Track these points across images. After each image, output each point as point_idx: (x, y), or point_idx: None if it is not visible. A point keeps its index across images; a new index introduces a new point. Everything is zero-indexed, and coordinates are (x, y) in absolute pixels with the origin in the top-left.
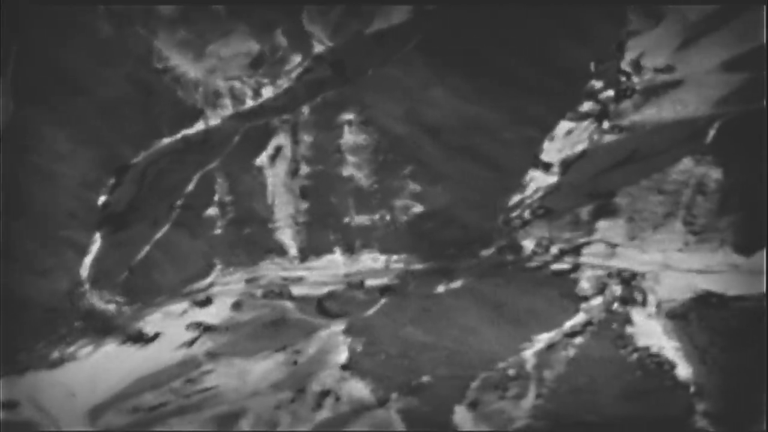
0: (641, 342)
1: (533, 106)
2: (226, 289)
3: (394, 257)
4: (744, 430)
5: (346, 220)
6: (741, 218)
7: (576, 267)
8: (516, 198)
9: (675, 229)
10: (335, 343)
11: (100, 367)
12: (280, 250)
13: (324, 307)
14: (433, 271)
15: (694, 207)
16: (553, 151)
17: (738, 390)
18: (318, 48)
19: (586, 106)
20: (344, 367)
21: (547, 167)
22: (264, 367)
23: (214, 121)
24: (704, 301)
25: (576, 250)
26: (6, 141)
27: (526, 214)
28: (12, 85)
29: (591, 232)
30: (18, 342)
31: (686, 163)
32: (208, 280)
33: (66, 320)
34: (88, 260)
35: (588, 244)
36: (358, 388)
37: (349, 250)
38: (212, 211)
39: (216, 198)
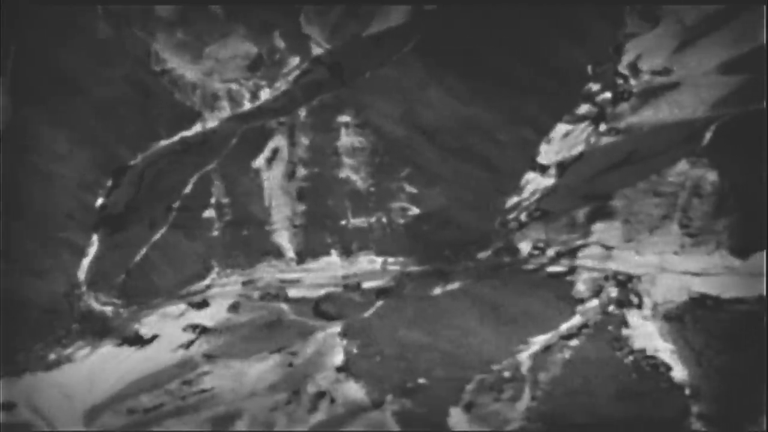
0: (637, 344)
1: (530, 109)
2: (223, 291)
3: (391, 259)
4: None
5: (343, 222)
6: (737, 221)
7: (572, 269)
8: (513, 200)
9: (671, 231)
10: (331, 345)
11: (97, 368)
12: (277, 252)
13: (320, 309)
14: (430, 273)
15: (690, 209)
16: (550, 153)
17: (733, 392)
18: (316, 50)
19: (584, 108)
20: (340, 368)
21: (543, 169)
22: (260, 369)
23: (211, 123)
24: (700, 303)
25: (572, 253)
26: (5, 141)
27: (523, 217)
28: (11, 86)
29: (587, 234)
30: (16, 343)
31: (682, 165)
32: (206, 282)
33: (63, 322)
34: (85, 262)
35: (584, 246)
36: (354, 390)
37: (346, 252)
38: (209, 213)
39: (213, 200)
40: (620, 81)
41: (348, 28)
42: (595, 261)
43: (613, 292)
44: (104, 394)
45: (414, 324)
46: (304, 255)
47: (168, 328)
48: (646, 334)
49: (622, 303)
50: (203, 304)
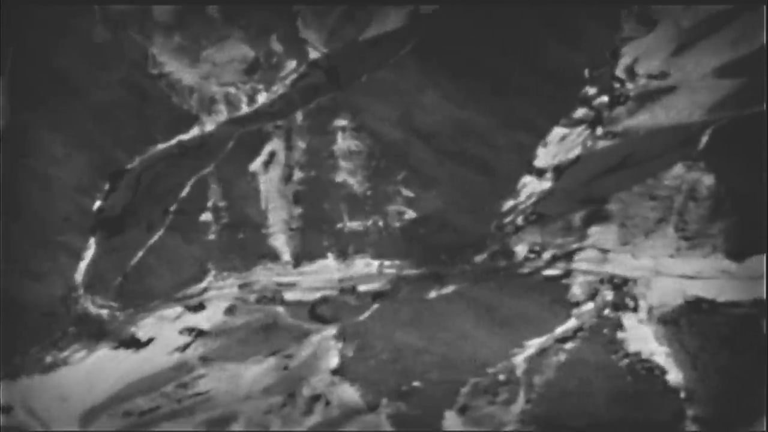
0: (632, 347)
1: (527, 113)
2: (220, 294)
3: (387, 262)
4: None
5: (340, 225)
6: (733, 224)
7: (568, 273)
8: (509, 203)
9: (667, 234)
10: (327, 348)
11: (94, 371)
12: (274, 256)
13: (316, 312)
14: (426, 276)
15: (686, 213)
16: (546, 156)
17: (728, 395)
18: (313, 54)
19: (580, 112)
20: (335, 371)
21: (540, 173)
22: (256, 372)
23: (209, 126)
24: (695, 306)
25: (568, 256)
26: (2, 144)
27: (519, 220)
28: (8, 88)
29: (583, 237)
30: (13, 346)
31: (678, 169)
32: (202, 285)
33: (60, 325)
34: (82, 265)
35: (580, 249)
36: (349, 393)
37: (342, 255)
38: (206, 216)
39: (210, 203)
40: (617, 85)
41: (345, 32)
42: (591, 264)
43: (609, 295)
44: (100, 396)
45: (409, 327)
46: (300, 258)
47: (164, 331)
48: (642, 337)
49: (618, 306)
50: (200, 307)
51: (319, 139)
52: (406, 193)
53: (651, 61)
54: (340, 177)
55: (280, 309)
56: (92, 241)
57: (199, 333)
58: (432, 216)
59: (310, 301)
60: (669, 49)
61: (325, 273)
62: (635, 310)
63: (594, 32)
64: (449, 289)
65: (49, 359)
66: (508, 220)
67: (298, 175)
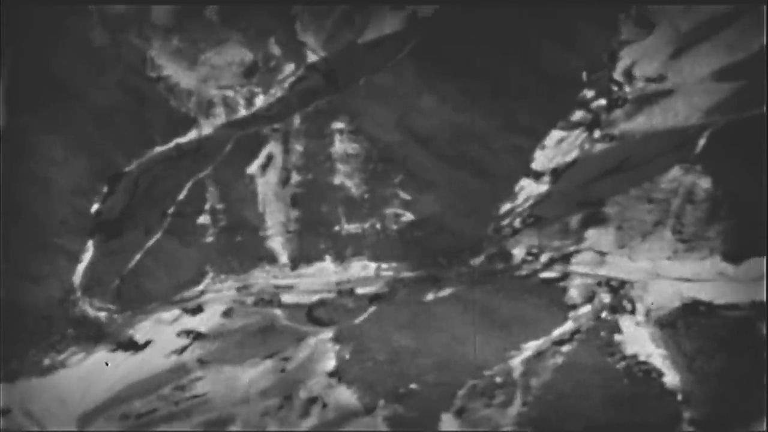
0: (629, 350)
1: (525, 115)
2: (218, 297)
3: (384, 265)
4: None
5: (337, 228)
6: (730, 227)
7: (565, 275)
8: (506, 206)
9: (664, 237)
10: (323, 350)
11: (91, 374)
12: (271, 258)
13: (314, 314)
14: (423, 279)
15: (683, 216)
16: (544, 159)
17: (725, 398)
18: (311, 57)
19: (578, 115)
20: (332, 374)
21: (537, 176)
22: (253, 374)
23: (207, 129)
24: (692, 309)
25: (565, 259)
26: (1, 147)
27: (517, 223)
28: (7, 91)
29: (580, 240)
30: (11, 349)
31: (675, 172)
32: (200, 287)
33: (58, 327)
34: (80, 268)
35: (577, 252)
36: (346, 395)
37: (340, 258)
38: (204, 219)
39: (208, 206)
40: (615, 88)
41: (343, 36)
42: (588, 267)
43: (606, 297)
44: (98, 399)
45: (406, 329)
46: (297, 261)
47: (162, 333)
48: (639, 339)
49: (615, 309)
50: (197, 310)
51: (316, 142)
52: (404, 196)
53: (649, 64)
54: (337, 180)
55: (278, 311)
56: (90, 244)
57: (196, 335)
58: (429, 219)
59: (308, 303)
60: (667, 53)
61: (322, 275)
62: (632, 312)
63: (592, 35)
64: (446, 291)
65: (47, 362)
66: (505, 222)
67: (295, 178)
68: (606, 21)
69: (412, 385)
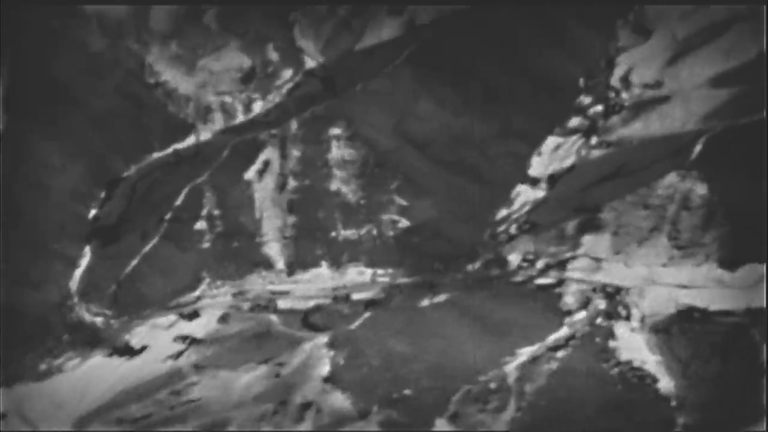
0: (624, 356)
1: (522, 121)
2: (214, 302)
3: (381, 271)
4: None
5: (333, 234)
6: (726, 233)
7: (561, 281)
8: (503, 212)
9: (660, 243)
10: (318, 356)
11: (87, 378)
12: (268, 264)
13: (309, 320)
14: (419, 284)
15: (679, 222)
16: (540, 166)
17: (719, 403)
18: (309, 63)
19: (575, 121)
20: (326, 379)
21: (534, 182)
22: (248, 380)
23: (205, 135)
24: (687, 315)
25: (561, 265)
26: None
27: (513, 229)
28: (5, 97)
29: (576, 246)
30: (8, 354)
31: (672, 178)
32: (196, 293)
33: (55, 332)
34: (77, 273)
35: (573, 258)
36: (340, 401)
37: (336, 263)
38: (201, 224)
39: (204, 212)
40: (612, 94)
41: (341, 42)
42: (583, 273)
43: (602, 304)
44: (94, 403)
45: (401, 335)
46: (294, 266)
47: (158, 338)
48: (634, 346)
49: (610, 315)
50: (193, 315)
51: (313, 147)
52: (400, 201)
53: (646, 70)
54: (334, 186)
55: (274, 317)
56: (87, 249)
57: (192, 341)
58: (426, 225)
59: (304, 309)
60: (663, 59)
61: (318, 281)
62: (627, 318)
63: (589, 42)
64: (442, 297)
65: (43, 366)
66: (501, 229)
67: (292, 183)
68: (603, 27)
69: (407, 391)
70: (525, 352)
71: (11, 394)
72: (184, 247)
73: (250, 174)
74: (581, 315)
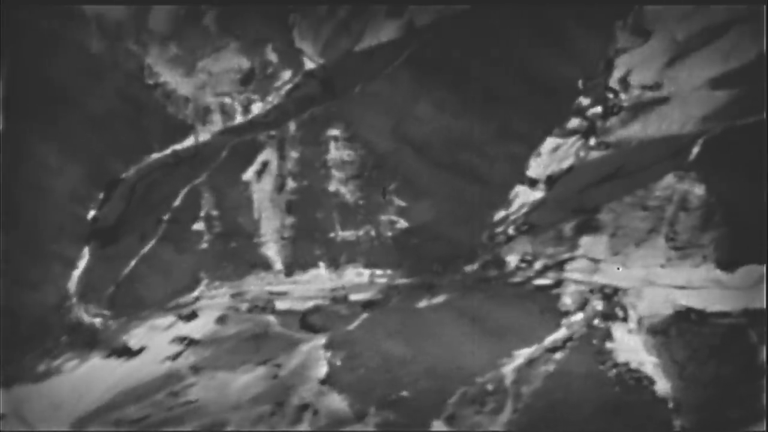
0: (621, 357)
1: (520, 123)
2: (212, 303)
3: (379, 272)
4: None
5: (332, 234)
6: (724, 234)
7: (559, 282)
8: (501, 214)
9: (657, 245)
10: (316, 357)
11: (85, 380)
12: (266, 265)
13: (307, 321)
14: (417, 285)
15: (677, 223)
16: (539, 167)
17: (715, 405)
18: (308, 65)
19: (574, 122)
20: (323, 381)
21: (533, 183)
22: (245, 381)
23: (204, 136)
24: (685, 316)
25: (559, 266)
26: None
27: (511, 230)
28: (4, 98)
29: (574, 247)
30: (7, 355)
31: (669, 179)
32: (194, 294)
33: (53, 334)
34: (76, 274)
35: (571, 259)
36: (337, 402)
37: (334, 264)
38: (199, 225)
39: (203, 213)
40: (610, 95)
41: (340, 43)
42: (581, 274)
43: (599, 305)
44: (92, 405)
45: (398, 336)
46: (292, 267)
47: (156, 339)
48: (631, 347)
49: (608, 316)
50: (192, 316)
51: (312, 149)
52: (399, 203)
53: (645, 72)
54: (332, 186)
55: (272, 318)
56: (86, 251)
57: (190, 342)
58: (424, 226)
59: (302, 310)
60: (662, 61)
61: (316, 282)
62: (625, 320)
63: (588, 43)
64: (440, 298)
65: (42, 367)
66: (499, 230)
67: (290, 184)
68: (602, 29)
69: (403, 392)
70: (522, 354)
71: (10, 395)
72: (183, 248)
73: (249, 175)
74: (579, 316)
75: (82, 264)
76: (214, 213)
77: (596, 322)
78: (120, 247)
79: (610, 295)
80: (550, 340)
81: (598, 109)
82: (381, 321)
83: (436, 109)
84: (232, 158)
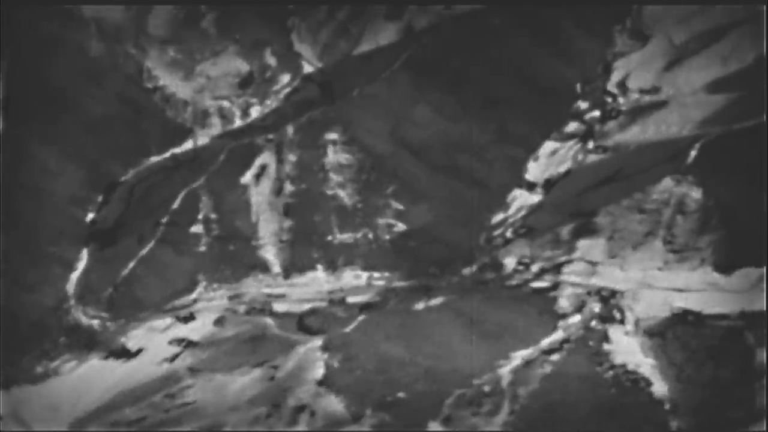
0: (618, 359)
1: (519, 126)
2: (210, 306)
3: (377, 274)
4: None
5: (329, 237)
6: (721, 237)
7: (556, 285)
8: (499, 217)
9: (655, 247)
10: (313, 359)
11: (83, 381)
12: (264, 267)
13: (304, 323)
14: (415, 288)
15: (675, 226)
16: (537, 170)
17: (712, 407)
18: (307, 68)
19: (572, 126)
20: (320, 382)
21: (530, 187)
22: (242, 383)
23: (202, 140)
24: (682, 319)
25: (556, 269)
26: None
27: (509, 233)
28: (3, 101)
29: (572, 250)
30: (5, 357)
31: (667, 182)
32: (192, 296)
33: (51, 335)
34: (74, 276)
35: (569, 262)
36: (334, 404)
37: (332, 267)
38: (197, 228)
39: (201, 215)
40: (609, 99)
41: (339, 47)
42: (579, 277)
43: (596, 307)
44: (90, 406)
45: (395, 338)
46: (290, 270)
47: (154, 341)
48: (628, 349)
49: (605, 318)
50: (189, 318)
51: (309, 152)
52: (396, 206)
53: (643, 75)
54: (330, 190)
55: (269, 320)
56: (84, 253)
57: (188, 344)
58: (422, 229)
59: (299, 312)
60: (661, 65)
61: (314, 285)
62: (622, 322)
63: (586, 47)
64: (437, 300)
65: (40, 369)
66: (497, 233)
67: (288, 188)
68: (600, 33)
69: (400, 394)
70: (519, 356)
71: (8, 397)
72: (181, 250)
73: (247, 178)
74: (576, 318)
75: (81, 266)
76: (213, 216)
77: (593, 324)
78: (118, 250)
79: (608, 297)
80: (547, 342)
81: (596, 113)
82: (378, 323)
83: (434, 113)
84: (230, 162)
